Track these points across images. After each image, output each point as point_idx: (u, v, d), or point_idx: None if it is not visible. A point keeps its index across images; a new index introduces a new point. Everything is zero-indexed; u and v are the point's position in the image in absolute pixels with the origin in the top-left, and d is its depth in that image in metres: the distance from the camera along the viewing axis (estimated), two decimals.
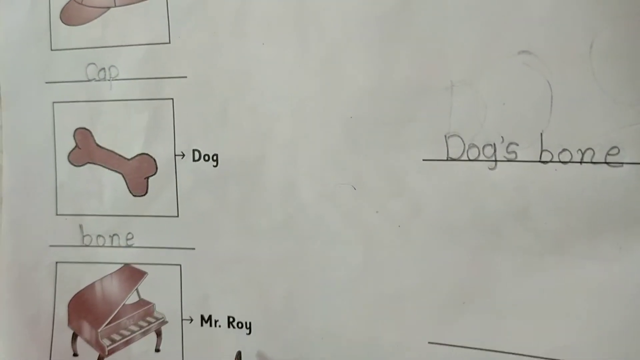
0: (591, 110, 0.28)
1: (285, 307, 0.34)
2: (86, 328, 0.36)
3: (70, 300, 0.36)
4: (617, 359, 0.28)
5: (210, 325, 0.35)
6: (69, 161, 0.36)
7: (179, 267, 0.35)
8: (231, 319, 0.35)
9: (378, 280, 0.32)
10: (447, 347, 0.31)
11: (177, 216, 0.35)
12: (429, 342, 0.32)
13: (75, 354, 0.36)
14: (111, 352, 0.36)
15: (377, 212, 0.32)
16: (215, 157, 0.34)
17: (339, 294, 0.33)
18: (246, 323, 0.34)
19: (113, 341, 0.36)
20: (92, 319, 0.36)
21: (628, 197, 0.28)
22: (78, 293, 0.36)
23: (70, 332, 0.36)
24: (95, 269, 0.36)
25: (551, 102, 0.28)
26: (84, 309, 0.36)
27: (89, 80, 0.35)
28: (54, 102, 0.36)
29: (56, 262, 0.36)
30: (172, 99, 0.34)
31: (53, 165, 0.36)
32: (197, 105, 0.34)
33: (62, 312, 0.36)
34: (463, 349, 0.31)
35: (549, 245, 0.29)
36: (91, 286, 0.36)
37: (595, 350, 0.29)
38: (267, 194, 0.33)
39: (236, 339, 0.35)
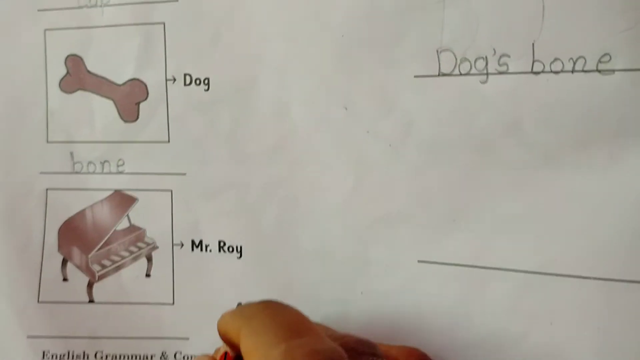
0: (582, 18, 0.27)
1: (275, 230, 0.34)
2: (76, 253, 0.36)
3: (61, 227, 0.36)
4: (609, 269, 0.28)
5: (201, 250, 0.35)
6: (60, 88, 0.36)
7: (169, 192, 0.35)
8: (222, 244, 0.35)
9: (369, 200, 0.32)
10: (437, 265, 0.31)
11: (168, 142, 0.35)
12: (419, 261, 0.31)
13: (65, 279, 0.36)
14: (101, 277, 0.36)
15: (367, 132, 0.32)
16: (206, 81, 0.34)
17: (330, 216, 0.33)
18: (237, 247, 0.34)
19: (103, 267, 0.36)
20: (83, 244, 0.36)
21: (619, 105, 0.27)
22: (68, 219, 0.36)
23: (60, 258, 0.36)
24: (86, 196, 0.36)
25: (543, 11, 0.28)
26: (75, 235, 0.36)
27: (80, 7, 0.35)
28: (45, 30, 0.36)
29: (46, 189, 0.36)
30: (164, 23, 0.34)
31: (44, 93, 0.36)
32: (188, 29, 0.34)
33: (52, 238, 0.36)
34: (453, 266, 0.31)
35: (540, 158, 0.29)
36: (82, 212, 0.36)
37: (587, 262, 0.29)
38: (258, 118, 0.33)
39: (227, 263, 0.34)
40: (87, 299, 0.36)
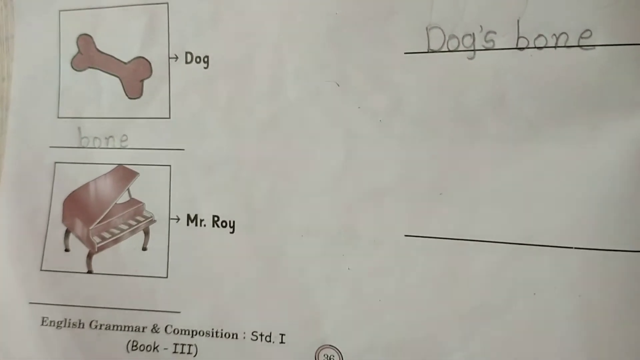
0: None
1: (266, 205, 0.34)
2: (79, 225, 0.37)
3: (66, 199, 0.37)
4: (589, 239, 0.28)
5: (196, 224, 0.36)
6: (72, 66, 0.37)
7: (168, 167, 0.36)
8: (216, 218, 0.35)
9: (358, 176, 0.33)
10: (423, 239, 0.31)
11: (169, 118, 0.36)
12: (406, 235, 0.32)
13: (67, 249, 0.37)
14: (100, 248, 0.37)
15: (359, 107, 0.32)
16: (206, 59, 0.35)
17: (320, 191, 0.33)
18: (230, 222, 0.35)
19: (103, 239, 0.37)
20: (85, 216, 0.37)
21: (600, 79, 0.28)
22: (73, 192, 0.37)
23: (64, 229, 0.37)
24: (91, 170, 0.37)
25: None
26: (78, 207, 0.37)
27: None
28: (60, 10, 0.38)
29: (55, 162, 0.38)
30: (167, 3, 0.35)
31: (57, 71, 0.38)
32: (191, 8, 0.35)
33: (58, 210, 0.37)
34: (439, 239, 0.31)
35: (523, 131, 0.30)
36: (85, 185, 0.37)
37: (568, 233, 0.29)
38: (253, 95, 0.34)
39: (220, 237, 0.35)
40: (86, 270, 0.37)
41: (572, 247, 0.28)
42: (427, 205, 0.31)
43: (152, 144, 0.36)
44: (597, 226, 0.28)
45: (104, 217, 0.37)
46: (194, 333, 0.36)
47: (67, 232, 0.37)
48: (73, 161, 0.38)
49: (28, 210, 0.38)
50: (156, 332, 0.36)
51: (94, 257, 0.37)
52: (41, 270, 0.37)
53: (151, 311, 0.36)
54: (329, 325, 0.33)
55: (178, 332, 0.36)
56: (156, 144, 0.36)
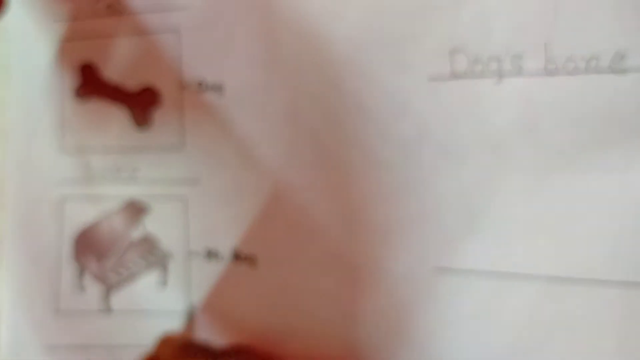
0: (595, 17, 0.27)
1: (288, 238, 0.34)
2: (93, 263, 0.36)
3: (77, 236, 0.36)
4: (628, 272, 0.28)
5: (217, 258, 0.35)
6: (75, 96, 0.36)
7: (184, 199, 0.35)
8: (236, 252, 0.34)
9: (383, 206, 0.32)
10: (453, 271, 0.31)
11: (182, 148, 0.35)
12: (435, 267, 0.31)
13: (82, 288, 0.36)
14: (117, 285, 0.36)
15: (382, 135, 0.31)
16: (220, 87, 0.34)
17: (343, 223, 0.32)
18: (251, 256, 0.34)
19: (119, 275, 0.36)
20: (99, 253, 0.36)
21: (634, 105, 0.27)
22: (84, 229, 0.36)
23: (77, 267, 0.36)
24: (101, 204, 0.36)
25: (555, 10, 0.28)
26: (90, 243, 0.36)
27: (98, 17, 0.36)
28: (61, 37, 0.36)
29: (62, 198, 0.36)
30: (180, 31, 0.34)
31: (59, 100, 0.36)
32: (204, 35, 0.34)
33: (69, 248, 0.36)
34: (470, 272, 0.30)
35: (555, 160, 0.29)
36: (97, 222, 0.36)
37: (606, 266, 0.28)
38: (270, 122, 0.33)
39: (241, 272, 0.34)
40: (104, 308, 0.36)
41: (610, 281, 0.28)
42: (457, 237, 0.31)
43: (165, 175, 0.35)
44: (635, 259, 0.27)
45: (118, 253, 0.36)
46: None
47: (81, 271, 0.36)
48: (81, 196, 0.36)
49: (37, 250, 0.37)
50: None
51: (112, 295, 0.36)
52: (58, 311, 0.36)
53: None
54: None
55: None
56: (169, 174, 0.35)
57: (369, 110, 0.31)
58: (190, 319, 0.35)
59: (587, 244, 0.28)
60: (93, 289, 0.36)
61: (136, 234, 0.36)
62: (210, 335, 0.35)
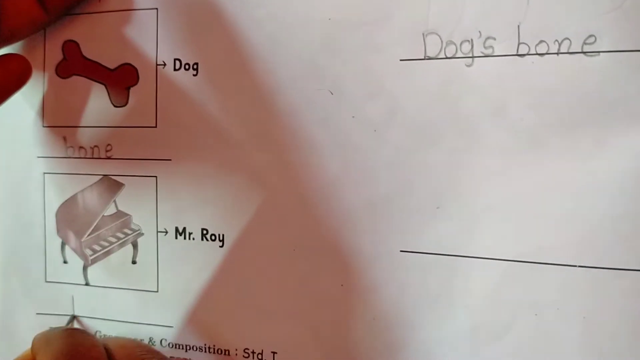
0: None
1: (257, 219, 0.33)
2: (71, 237, 0.36)
3: (57, 210, 0.36)
4: (594, 257, 0.27)
5: (185, 237, 0.34)
6: (56, 73, 0.36)
7: (155, 178, 0.35)
8: (204, 232, 0.34)
9: (352, 187, 0.31)
10: (419, 254, 0.30)
11: (155, 127, 0.34)
12: (401, 251, 0.31)
13: (65, 261, 0.37)
14: (93, 261, 0.36)
15: (353, 116, 0.31)
16: (195, 66, 0.34)
17: (314, 204, 0.32)
18: (219, 235, 0.34)
19: (95, 251, 0.36)
20: (76, 229, 0.36)
21: (605, 88, 0.27)
22: (63, 203, 0.36)
23: (60, 241, 0.37)
24: (78, 180, 0.36)
25: None
26: (69, 219, 0.36)
27: None
28: None
29: (43, 173, 0.37)
30: (157, 8, 0.34)
31: (42, 78, 0.36)
32: (181, 14, 0.34)
33: (52, 221, 0.37)
34: (435, 255, 0.30)
35: (525, 142, 0.28)
36: (74, 197, 0.36)
37: (572, 250, 0.27)
38: (245, 103, 0.33)
39: (209, 251, 0.34)
40: (84, 282, 0.37)
41: (575, 266, 0.27)
42: (424, 219, 0.30)
43: (138, 154, 0.35)
44: (602, 243, 0.27)
45: (93, 230, 0.36)
46: (188, 348, 0.35)
47: (62, 244, 0.36)
48: (60, 172, 0.37)
49: (25, 223, 0.38)
50: (152, 345, 0.36)
51: (89, 269, 0.36)
52: (46, 282, 0.38)
53: (146, 324, 0.36)
54: (320, 342, 0.32)
55: (173, 347, 0.35)
56: (142, 154, 0.35)
57: (341, 91, 0.31)
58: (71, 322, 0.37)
59: (553, 228, 0.27)
60: (74, 263, 0.37)
61: (110, 211, 0.35)
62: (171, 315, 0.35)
